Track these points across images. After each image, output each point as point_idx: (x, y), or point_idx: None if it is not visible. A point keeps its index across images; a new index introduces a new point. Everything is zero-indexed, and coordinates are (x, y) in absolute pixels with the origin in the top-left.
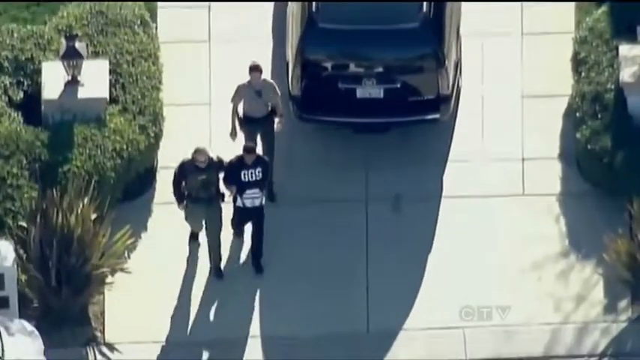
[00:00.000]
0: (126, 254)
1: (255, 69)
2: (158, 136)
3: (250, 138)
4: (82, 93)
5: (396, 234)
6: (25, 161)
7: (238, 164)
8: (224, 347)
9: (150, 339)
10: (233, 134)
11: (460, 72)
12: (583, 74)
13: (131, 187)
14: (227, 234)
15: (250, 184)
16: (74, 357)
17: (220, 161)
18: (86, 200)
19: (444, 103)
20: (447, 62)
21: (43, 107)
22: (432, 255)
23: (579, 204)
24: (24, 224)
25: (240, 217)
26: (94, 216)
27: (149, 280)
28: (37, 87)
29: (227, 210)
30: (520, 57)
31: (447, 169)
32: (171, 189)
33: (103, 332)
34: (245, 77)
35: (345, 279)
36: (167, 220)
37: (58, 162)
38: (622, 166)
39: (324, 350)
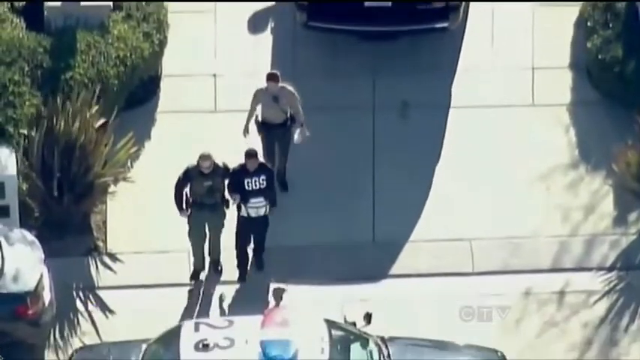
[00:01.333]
0: (129, 163)
1: (271, 78)
2: (162, 44)
3: (266, 143)
4: None
5: (403, 142)
6: (27, 68)
7: (241, 172)
8: (227, 256)
9: (152, 249)
10: (245, 132)
11: None
12: None
13: (134, 95)
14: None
15: (254, 193)
16: (75, 266)
17: (226, 167)
18: (89, 108)
19: (453, 11)
20: None
21: (45, 13)
22: (439, 165)
23: (589, 114)
24: (25, 132)
25: (244, 227)
26: (96, 124)
27: (152, 190)
28: None
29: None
30: None
31: (456, 78)
32: (177, 97)
33: (104, 242)
34: None
35: (351, 188)
36: (171, 128)
37: (60, 69)
38: (633, 75)
39: (330, 260)
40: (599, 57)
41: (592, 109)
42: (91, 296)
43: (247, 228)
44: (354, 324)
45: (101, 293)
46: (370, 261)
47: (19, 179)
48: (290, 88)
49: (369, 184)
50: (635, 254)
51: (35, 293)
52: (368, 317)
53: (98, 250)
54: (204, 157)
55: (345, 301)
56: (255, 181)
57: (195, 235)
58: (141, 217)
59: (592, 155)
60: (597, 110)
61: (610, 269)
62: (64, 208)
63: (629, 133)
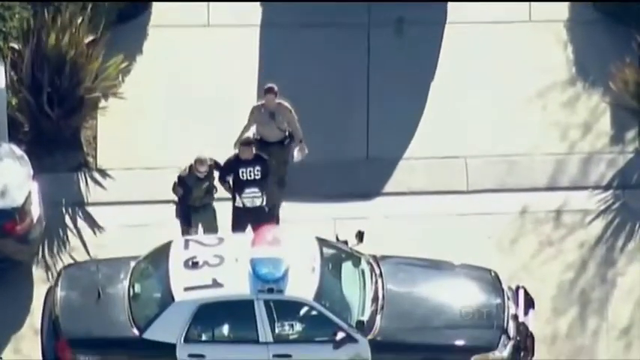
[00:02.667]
0: (120, 78)
1: (269, 90)
2: None
3: None
4: None
5: (398, 59)
6: None
7: (236, 162)
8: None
9: (142, 165)
10: (236, 145)
11: None
12: None
13: (126, 10)
14: None
15: (249, 183)
16: (65, 182)
17: (216, 163)
18: (80, 22)
19: None
20: None
21: None
22: (434, 83)
23: (587, 31)
24: (15, 45)
25: (240, 218)
26: (87, 38)
27: (143, 105)
28: None
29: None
30: None
31: None
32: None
33: (94, 157)
34: None
35: (345, 105)
36: (163, 44)
37: None
38: None
39: (322, 177)
40: None
41: (590, 26)
42: (80, 212)
43: (244, 220)
44: (346, 242)
45: (90, 209)
46: (363, 178)
47: (8, 93)
48: (287, 104)
49: (364, 101)
50: (632, 173)
51: (23, 209)
52: (360, 235)
53: (88, 165)
54: (201, 162)
55: (338, 219)
56: (250, 172)
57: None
58: (132, 133)
59: (590, 73)
60: (596, 27)
61: (606, 188)
62: (54, 123)
63: (627, 51)
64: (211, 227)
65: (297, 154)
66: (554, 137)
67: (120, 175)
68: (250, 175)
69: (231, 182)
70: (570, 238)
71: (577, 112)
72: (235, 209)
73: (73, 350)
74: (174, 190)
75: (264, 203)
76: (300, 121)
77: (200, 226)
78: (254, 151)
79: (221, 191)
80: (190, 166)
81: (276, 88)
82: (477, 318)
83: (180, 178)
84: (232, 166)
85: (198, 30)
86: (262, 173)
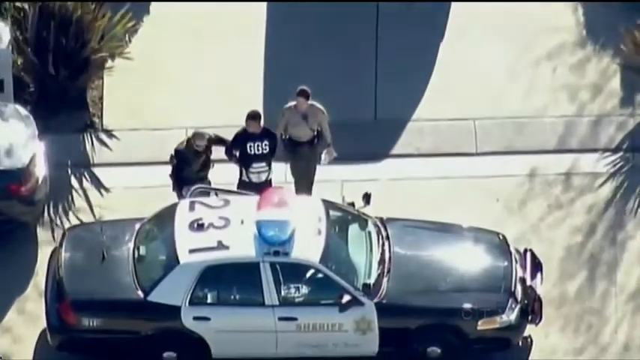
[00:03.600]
0: (126, 38)
1: (301, 93)
2: None
3: (292, 161)
4: None
5: (407, 21)
6: None
7: (244, 136)
8: (226, 133)
9: (149, 125)
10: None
11: None
12: None
13: None
14: None
15: (257, 157)
16: (71, 143)
17: (218, 138)
18: None
19: None
20: None
21: None
22: (443, 43)
23: None
24: (20, 5)
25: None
26: None
27: (150, 65)
28: None
29: None
30: None
31: None
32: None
33: (100, 118)
34: None
35: (353, 65)
36: (171, 2)
37: None
38: None
39: (334, 137)
40: None
41: None
42: (86, 173)
43: None
44: (353, 204)
45: (96, 170)
46: (371, 140)
47: (14, 53)
48: (319, 105)
49: (372, 63)
50: None
51: (28, 170)
52: (367, 198)
53: (94, 126)
54: (199, 136)
55: (346, 181)
56: (258, 146)
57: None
58: (138, 94)
59: (600, 34)
60: None
61: (616, 150)
62: (60, 84)
63: (638, 12)
64: None
65: (324, 157)
66: (563, 99)
67: (126, 136)
68: (258, 150)
69: (235, 159)
70: (579, 200)
71: (587, 74)
72: (241, 183)
73: (76, 312)
74: (170, 161)
75: (270, 177)
76: (309, 83)
77: None
78: (261, 125)
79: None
80: (188, 140)
81: (308, 91)
82: (484, 281)
83: (176, 151)
84: (240, 139)
85: None
86: (270, 147)
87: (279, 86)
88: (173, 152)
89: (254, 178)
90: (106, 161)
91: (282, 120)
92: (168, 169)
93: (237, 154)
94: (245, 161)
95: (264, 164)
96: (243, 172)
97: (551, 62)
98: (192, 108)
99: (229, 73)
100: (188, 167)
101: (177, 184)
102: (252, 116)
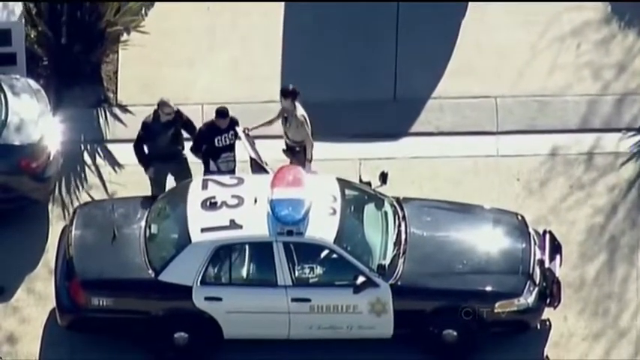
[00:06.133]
0: (143, 12)
1: (284, 94)
2: None
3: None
4: None
5: None
6: None
7: (210, 131)
8: (244, 110)
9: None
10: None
11: None
12: None
13: None
14: None
15: (224, 149)
16: (84, 118)
17: (180, 112)
18: None
19: None
20: None
21: None
22: (465, 19)
23: None
24: None
25: None
26: None
27: (166, 40)
28: None
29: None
30: None
31: None
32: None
33: (115, 93)
34: None
35: (372, 41)
36: None
37: None
38: None
39: (347, 116)
40: None
41: None
42: (99, 150)
43: None
44: (369, 184)
45: (110, 147)
46: (390, 118)
47: (27, 26)
48: (300, 115)
49: (392, 38)
50: None
51: (40, 145)
52: (383, 177)
53: (108, 101)
54: (165, 104)
55: (363, 159)
56: (225, 137)
57: (159, 189)
58: (154, 68)
59: (625, 11)
60: None
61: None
62: (74, 57)
63: None
64: (185, 179)
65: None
66: (587, 77)
67: (141, 112)
68: (225, 141)
69: (201, 155)
70: (601, 181)
71: (611, 52)
72: (209, 174)
73: (86, 291)
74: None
75: (236, 166)
76: (327, 58)
77: (173, 178)
78: (229, 117)
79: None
80: (155, 111)
81: (295, 90)
82: (502, 263)
83: (144, 123)
84: (207, 135)
85: None
86: (235, 135)
87: (298, 63)
88: (140, 125)
89: (223, 167)
90: (120, 137)
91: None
92: (184, 144)
93: (204, 148)
94: (213, 154)
95: (231, 153)
96: (211, 163)
97: (575, 39)
98: (208, 83)
99: (247, 48)
100: (156, 141)
101: (144, 159)
102: (223, 114)
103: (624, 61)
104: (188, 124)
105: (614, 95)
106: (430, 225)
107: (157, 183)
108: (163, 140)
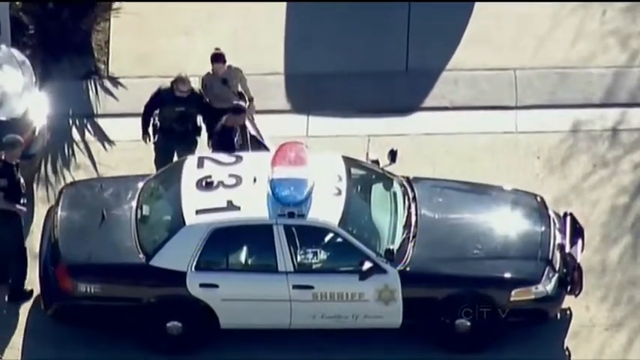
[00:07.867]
0: None
1: (217, 59)
2: None
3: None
4: None
5: None
6: None
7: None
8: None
9: (158, 73)
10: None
11: None
12: None
13: None
14: None
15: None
16: (73, 91)
17: (202, 95)
18: None
19: None
20: None
21: None
22: None
23: None
24: None
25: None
26: None
27: (160, 9)
28: None
29: None
30: None
31: None
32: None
33: (106, 64)
34: None
35: (384, 11)
36: None
37: None
38: None
39: (356, 89)
40: None
41: None
42: (88, 125)
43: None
44: (377, 162)
45: (100, 121)
46: (402, 92)
47: None
48: (235, 66)
49: (405, 7)
50: None
51: (24, 120)
52: (393, 155)
53: (99, 73)
54: (183, 81)
55: (372, 136)
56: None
57: (162, 164)
58: (147, 38)
59: None
60: None
61: None
62: (62, 25)
63: None
64: None
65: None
66: (612, 47)
67: (133, 85)
68: (239, 141)
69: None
70: (626, 158)
71: (639, 20)
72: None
73: (73, 277)
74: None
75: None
76: (336, 30)
77: (175, 154)
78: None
79: None
80: (173, 83)
81: (223, 54)
82: (519, 248)
83: (158, 89)
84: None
85: None
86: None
87: (302, 32)
88: (155, 90)
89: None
90: (111, 111)
91: (205, 90)
92: None
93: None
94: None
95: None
96: None
97: (601, 6)
98: (205, 54)
99: (249, 17)
100: (162, 110)
101: (144, 125)
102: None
103: None
104: (205, 111)
105: None
106: (442, 207)
107: (160, 157)
108: (169, 113)
